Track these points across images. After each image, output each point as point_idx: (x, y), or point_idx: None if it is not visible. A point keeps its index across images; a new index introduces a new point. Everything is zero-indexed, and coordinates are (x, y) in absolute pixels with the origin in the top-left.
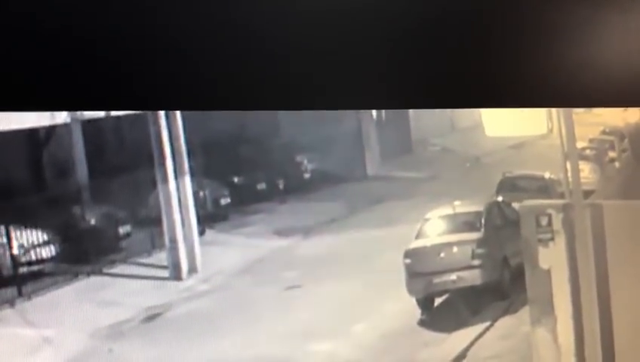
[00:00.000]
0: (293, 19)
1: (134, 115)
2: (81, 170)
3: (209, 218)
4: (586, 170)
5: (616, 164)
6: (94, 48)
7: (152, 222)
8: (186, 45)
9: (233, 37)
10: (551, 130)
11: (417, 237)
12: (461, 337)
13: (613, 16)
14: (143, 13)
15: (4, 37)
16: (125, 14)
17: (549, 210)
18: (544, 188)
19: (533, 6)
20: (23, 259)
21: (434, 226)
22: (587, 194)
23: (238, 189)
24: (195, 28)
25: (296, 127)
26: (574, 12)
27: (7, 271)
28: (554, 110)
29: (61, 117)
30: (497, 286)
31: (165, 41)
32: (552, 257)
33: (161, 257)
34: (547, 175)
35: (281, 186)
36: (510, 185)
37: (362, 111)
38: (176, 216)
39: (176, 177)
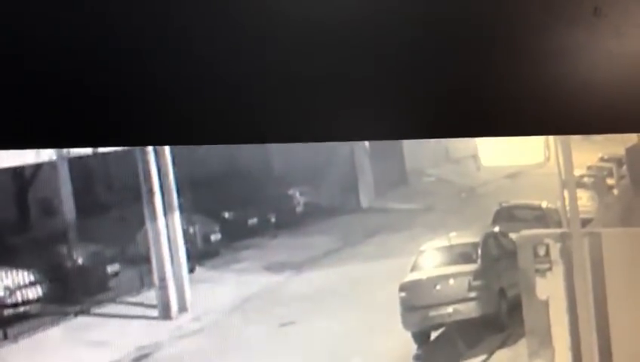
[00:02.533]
0: (283, 51)
1: (122, 151)
2: (69, 209)
3: (199, 255)
4: (584, 198)
5: (615, 192)
6: (80, 84)
7: (140, 260)
8: (173, 80)
9: (221, 71)
10: (548, 159)
11: (413, 269)
12: None
13: (609, 41)
14: (130, 50)
15: None
16: (111, 50)
17: (547, 240)
18: (541, 218)
19: (528, 33)
20: (9, 301)
21: (429, 258)
22: (585, 222)
23: (228, 225)
24: (182, 63)
25: (288, 160)
26: (570, 37)
27: None
28: (551, 138)
29: (47, 154)
30: (494, 319)
31: (152, 76)
32: (549, 287)
33: (151, 296)
34: (544, 204)
35: (272, 221)
36: (507, 215)
37: (355, 142)
38: (166, 254)
39: (165, 214)
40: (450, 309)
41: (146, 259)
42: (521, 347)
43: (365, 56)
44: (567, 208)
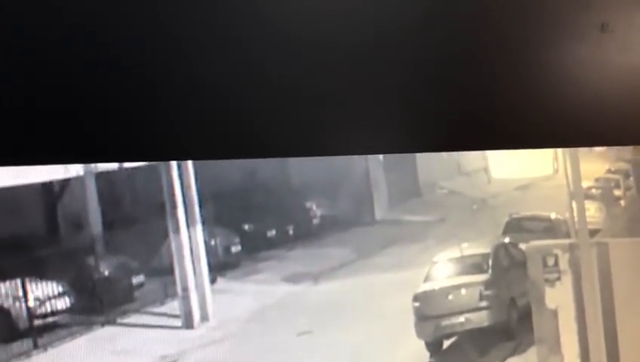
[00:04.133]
0: (300, 66)
1: (147, 166)
2: (95, 222)
3: (220, 266)
4: (592, 209)
5: (622, 203)
6: (106, 101)
7: (164, 272)
8: (195, 96)
9: (241, 86)
10: (557, 171)
11: (426, 280)
12: None
13: (617, 56)
14: (154, 66)
15: (15, 93)
16: (135, 66)
17: (556, 250)
18: (550, 229)
19: (537, 48)
20: (39, 311)
21: (442, 269)
22: (594, 233)
23: (248, 236)
24: (205, 78)
25: (305, 174)
26: (578, 53)
27: (23, 323)
28: (559, 150)
29: (75, 170)
30: (505, 327)
31: (175, 92)
32: (558, 297)
33: (174, 306)
34: (553, 215)
35: (290, 233)
36: (517, 227)
37: (370, 156)
38: (188, 265)
39: (188, 226)
40: (462, 318)
41: (170, 271)
42: (531, 355)
43: (379, 72)
44: (576, 219)
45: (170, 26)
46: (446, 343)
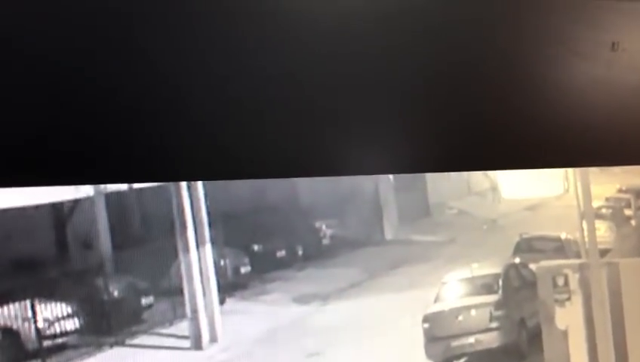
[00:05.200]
0: (309, 86)
1: (157, 186)
2: (105, 243)
3: (229, 286)
4: (603, 229)
5: (633, 222)
6: (116, 122)
7: (173, 292)
8: (205, 117)
9: (250, 107)
10: (567, 191)
11: (436, 301)
12: None
13: (627, 75)
14: (163, 86)
15: (26, 114)
16: (145, 87)
17: (566, 270)
18: (560, 249)
19: (546, 67)
20: (48, 332)
21: (452, 290)
22: (604, 253)
23: (258, 257)
24: (214, 100)
25: (315, 194)
26: (588, 72)
27: (33, 344)
28: (570, 170)
29: (85, 190)
30: (515, 348)
31: (185, 113)
32: (568, 317)
33: (183, 327)
34: (563, 235)
35: (300, 253)
36: (527, 247)
37: (380, 176)
38: (198, 286)
39: (197, 247)
40: (472, 339)
41: (179, 291)
42: None
43: (387, 92)
44: (586, 239)
45: (179, 46)
46: None
